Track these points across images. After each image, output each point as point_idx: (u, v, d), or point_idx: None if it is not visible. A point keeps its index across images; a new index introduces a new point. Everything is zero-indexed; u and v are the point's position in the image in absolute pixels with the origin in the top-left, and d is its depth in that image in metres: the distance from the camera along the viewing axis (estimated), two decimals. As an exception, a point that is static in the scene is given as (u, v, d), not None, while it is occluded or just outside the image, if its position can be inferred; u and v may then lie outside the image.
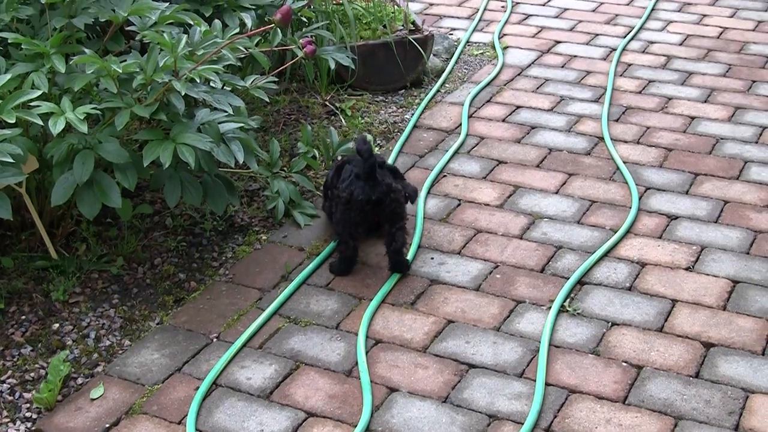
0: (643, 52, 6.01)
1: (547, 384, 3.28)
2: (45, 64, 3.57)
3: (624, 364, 3.38)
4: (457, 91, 5.50)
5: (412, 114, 5.23)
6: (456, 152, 4.80)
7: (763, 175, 4.54)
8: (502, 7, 6.75)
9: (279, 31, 4.37)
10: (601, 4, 6.80)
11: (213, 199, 3.82)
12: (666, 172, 4.59)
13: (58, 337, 3.58)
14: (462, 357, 3.42)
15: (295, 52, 4.40)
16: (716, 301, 3.68)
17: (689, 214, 4.24)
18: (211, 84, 3.77)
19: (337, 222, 3.87)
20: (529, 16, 6.59)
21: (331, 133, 4.55)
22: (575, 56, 5.95)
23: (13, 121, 3.32)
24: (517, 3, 6.81)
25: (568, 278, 3.81)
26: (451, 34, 6.30)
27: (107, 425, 3.16)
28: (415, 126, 5.08)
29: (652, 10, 6.64)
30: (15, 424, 3.20)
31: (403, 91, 5.53)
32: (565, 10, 6.69)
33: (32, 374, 3.41)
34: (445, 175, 4.60)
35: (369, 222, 3.82)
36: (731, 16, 6.54)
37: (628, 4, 6.76)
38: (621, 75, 5.67)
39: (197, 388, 3.29)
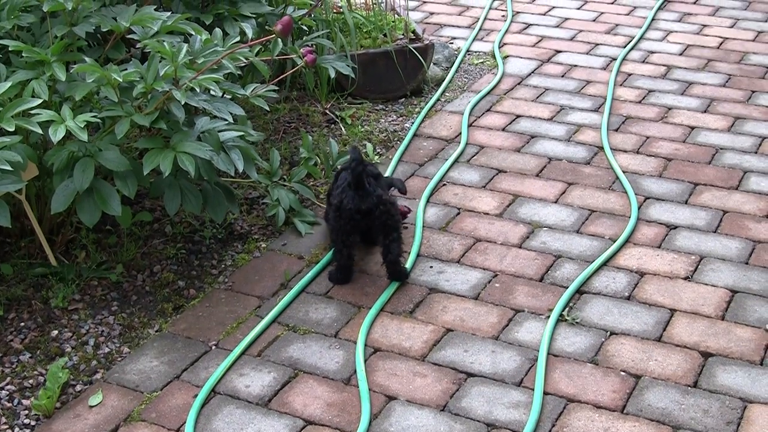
0: (643, 62, 6.02)
1: (545, 393, 3.28)
2: (46, 72, 3.58)
3: (622, 373, 3.38)
4: (457, 100, 5.51)
5: (412, 123, 5.24)
6: (456, 161, 4.81)
7: (762, 185, 4.55)
8: (503, 16, 6.76)
9: (279, 40, 4.37)
10: (602, 14, 6.81)
11: (213, 207, 3.82)
12: (665, 182, 4.59)
13: (57, 344, 3.58)
14: (460, 365, 3.43)
15: (295, 61, 4.41)
16: (715, 311, 3.69)
17: (688, 224, 4.25)
18: (212, 92, 3.78)
19: (331, 230, 3.89)
20: (529, 25, 6.60)
21: (330, 143, 4.56)
22: (575, 66, 5.95)
23: (12, 129, 3.32)
24: (518, 12, 6.82)
25: (567, 287, 3.81)
26: (452, 43, 6.31)
27: (105, 432, 3.17)
28: (414, 135, 5.09)
29: (653, 20, 6.65)
30: (13, 431, 3.20)
31: (403, 99, 5.54)
32: (566, 19, 6.70)
33: (31, 381, 3.41)
34: (444, 184, 4.60)
35: (360, 231, 3.84)
36: (731, 27, 6.55)
37: (628, 14, 6.77)
38: (621, 85, 5.68)
39: (196, 396, 3.29)
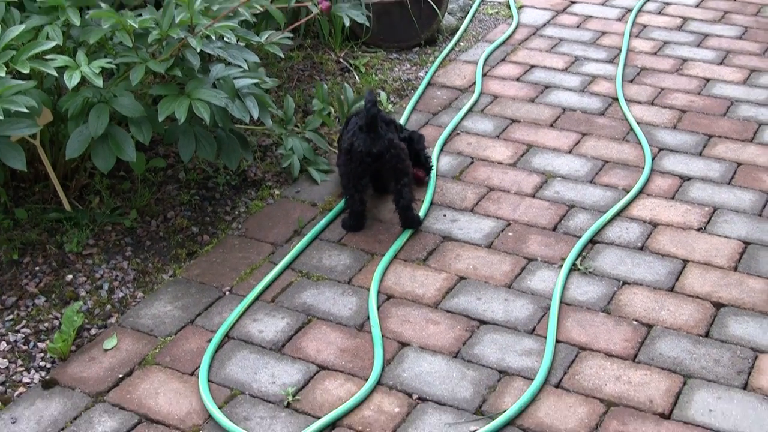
0: (659, 13, 5.98)
1: (557, 341, 3.30)
2: (60, 17, 3.57)
3: (634, 322, 3.39)
4: (472, 50, 5.49)
5: (426, 72, 5.22)
6: (469, 110, 4.80)
7: (777, 138, 4.54)
8: (518, -34, 6.71)
9: (294, -14, 4.36)
10: (618, -36, 6.75)
11: (227, 154, 3.83)
12: (679, 134, 4.58)
13: (72, 288, 3.60)
14: (473, 313, 3.44)
15: (310, 9, 4.39)
16: (727, 262, 3.69)
17: (702, 176, 4.24)
18: (226, 40, 3.77)
19: (341, 174, 3.89)
20: (544, -25, 6.56)
21: (345, 90, 4.54)
22: (590, 17, 5.92)
23: (27, 71, 3.32)
24: (533, -38, 6.76)
25: (580, 237, 3.82)
26: (466, -7, 6.27)
27: (120, 375, 3.19)
28: (428, 84, 5.08)
29: (669, -29, 6.60)
30: (29, 373, 3.23)
31: (418, 48, 5.52)
32: (581, -30, 6.64)
33: (46, 324, 3.43)
34: (458, 133, 4.60)
35: (371, 174, 3.84)
36: (748, -22, 6.49)
37: (644, -35, 6.72)
38: (636, 36, 5.65)
39: (210, 340, 3.31)
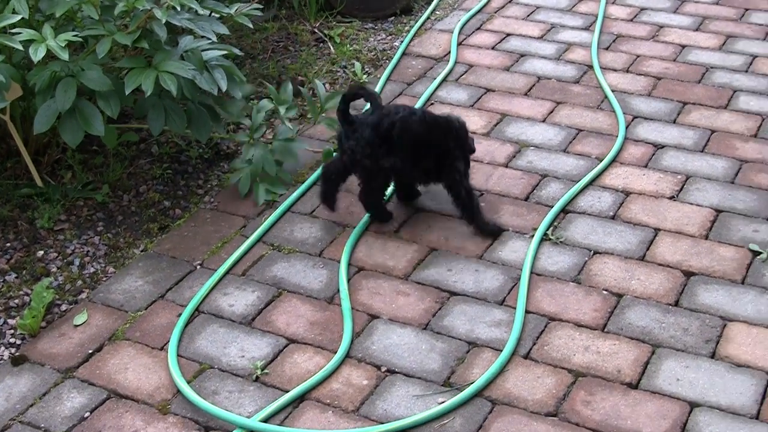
0: (637, -21, 5.95)
1: (527, 311, 3.30)
2: (26, -11, 3.54)
3: (604, 292, 3.39)
4: (447, 19, 5.47)
5: (401, 41, 5.20)
6: (444, 80, 4.79)
7: (751, 105, 4.53)
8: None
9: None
10: (596, -70, 6.71)
11: (197, 127, 3.81)
12: (654, 101, 4.57)
13: (43, 264, 3.60)
14: (444, 284, 3.44)
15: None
16: (699, 231, 3.69)
17: (676, 143, 4.23)
18: (197, 12, 3.74)
19: (363, 183, 3.76)
20: (522, -58, 6.52)
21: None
22: (567, -17, 5.89)
23: (-7, 47, 3.31)
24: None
25: (552, 207, 3.82)
26: (444, -39, 6.24)
27: (90, 351, 3.19)
28: (403, 53, 5.06)
29: (647, -64, 6.56)
30: (0, 350, 3.23)
31: (393, 18, 5.50)
32: (559, -64, 6.61)
33: (16, 301, 3.43)
34: (432, 103, 4.59)
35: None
36: (727, -57, 6.46)
37: (623, -69, 6.68)
38: (612, 2, 5.63)
39: (180, 315, 3.31)
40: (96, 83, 3.51)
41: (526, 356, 3.13)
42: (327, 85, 4.77)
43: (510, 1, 5.65)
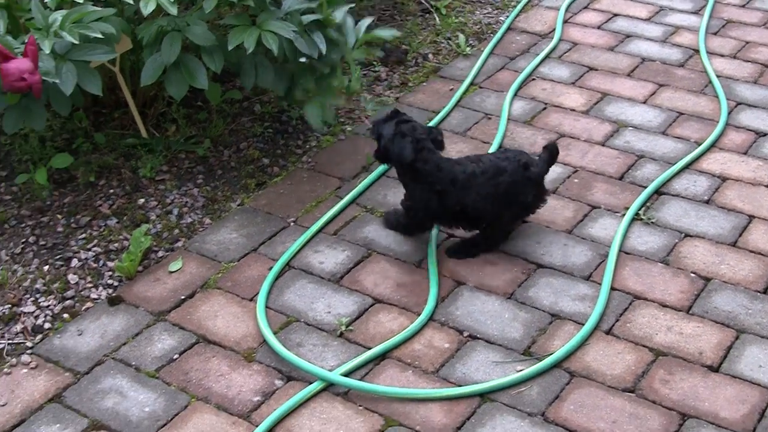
0: (752, -35, 5.87)
1: (612, 288, 3.31)
2: (143, -54, 3.64)
3: (692, 275, 3.39)
4: (555, -4, 5.46)
5: (507, 16, 5.21)
6: (547, 56, 4.79)
7: None
8: None
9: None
10: None
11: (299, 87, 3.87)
12: (759, 89, 4.52)
13: (143, 211, 3.71)
14: (531, 256, 3.47)
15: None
16: (794, 220, 3.66)
17: (778, 132, 4.19)
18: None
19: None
20: (637, -77, 6.46)
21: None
22: (680, -33, 5.83)
23: (105, -1, 3.41)
24: None
25: (646, 187, 3.81)
26: (556, -62, 6.22)
27: (183, 297, 3.30)
28: (508, 28, 5.07)
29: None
30: (97, 290, 3.35)
31: (501, -8, 5.51)
32: None
33: (116, 245, 3.55)
34: (533, 79, 4.59)
35: None
36: None
37: None
38: (725, -12, 5.56)
39: (271, 268, 3.40)
40: (200, 38, 3.59)
41: (608, 332, 3.14)
42: (431, 55, 4.80)
43: (620, -18, 5.61)
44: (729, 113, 4.30)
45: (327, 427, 2.82)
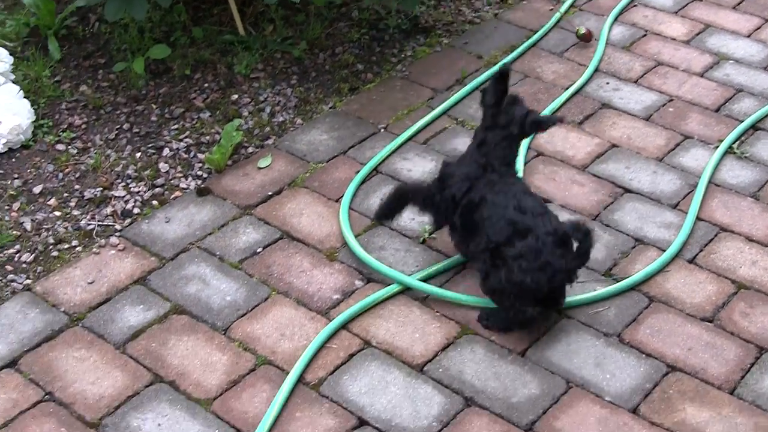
0: None
1: (698, 219, 3.28)
2: None
3: (782, 211, 3.35)
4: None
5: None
6: (652, -17, 4.70)
7: None
8: None
9: None
10: None
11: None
12: None
13: (236, 107, 3.75)
14: (619, 180, 3.45)
15: None
16: None
17: None
18: None
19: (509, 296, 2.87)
20: None
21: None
22: None
23: None
24: None
25: (742, 121, 3.74)
26: None
27: (270, 193, 3.34)
28: (614, -48, 4.98)
29: None
30: (187, 180, 3.41)
31: None
32: None
33: (207, 137, 3.60)
34: (635, 5, 4.52)
35: None
36: None
37: None
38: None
39: (358, 172, 3.42)
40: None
41: (691, 261, 3.12)
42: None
43: None
44: (835, 53, 4.20)
45: (403, 330, 2.86)
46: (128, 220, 3.25)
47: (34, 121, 3.61)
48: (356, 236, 3.14)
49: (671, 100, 3.87)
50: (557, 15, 4.34)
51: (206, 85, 3.86)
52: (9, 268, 3.06)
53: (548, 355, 2.80)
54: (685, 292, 3.00)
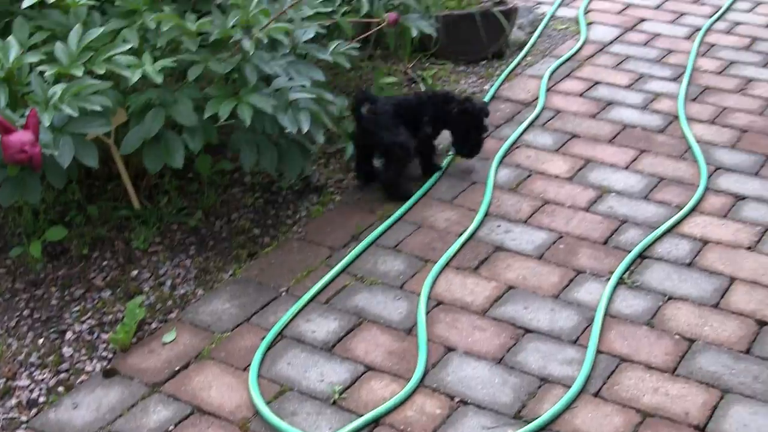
0: (728, 32, 6.02)
1: (599, 351, 3.38)
2: (137, 20, 3.73)
3: (676, 336, 3.45)
4: (538, 65, 5.58)
5: (492, 85, 5.32)
6: (531, 124, 4.89)
7: (836, 160, 4.56)
8: (590, -18, 6.77)
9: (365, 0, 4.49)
10: (690, -18, 6.79)
11: (288, 164, 3.95)
12: (738, 153, 4.62)
13: (136, 283, 3.77)
14: (519, 321, 3.54)
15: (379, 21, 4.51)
16: (775, 281, 3.74)
17: (757, 195, 4.28)
18: (296, 51, 3.89)
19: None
20: (616, -8, 6.62)
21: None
22: (659, 34, 5.98)
23: (102, 72, 3.49)
24: (606, -21, 6.83)
25: (629, 251, 3.89)
26: (537, 8, 6.37)
27: (177, 368, 3.35)
28: (493, 97, 5.18)
29: (742, -10, 6.62)
30: (92, 362, 3.40)
31: (485, 62, 5.63)
32: (653, -13, 6.70)
33: (110, 317, 3.61)
34: (518, 147, 4.69)
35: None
36: (821, 0, 6.49)
37: (717, -16, 6.75)
38: (703, 55, 5.69)
39: (263, 338, 3.45)
40: (184, 117, 3.67)
41: (596, 394, 3.20)
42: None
43: (601, 50, 5.75)
44: (709, 177, 4.40)
45: (322, 494, 2.87)
46: (34, 410, 3.21)
47: (-67, 317, 3.59)
48: (267, 403, 3.16)
49: (561, 237, 4.01)
50: (445, 162, 4.49)
51: (105, 263, 3.88)
52: None
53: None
54: (593, 426, 3.07)
